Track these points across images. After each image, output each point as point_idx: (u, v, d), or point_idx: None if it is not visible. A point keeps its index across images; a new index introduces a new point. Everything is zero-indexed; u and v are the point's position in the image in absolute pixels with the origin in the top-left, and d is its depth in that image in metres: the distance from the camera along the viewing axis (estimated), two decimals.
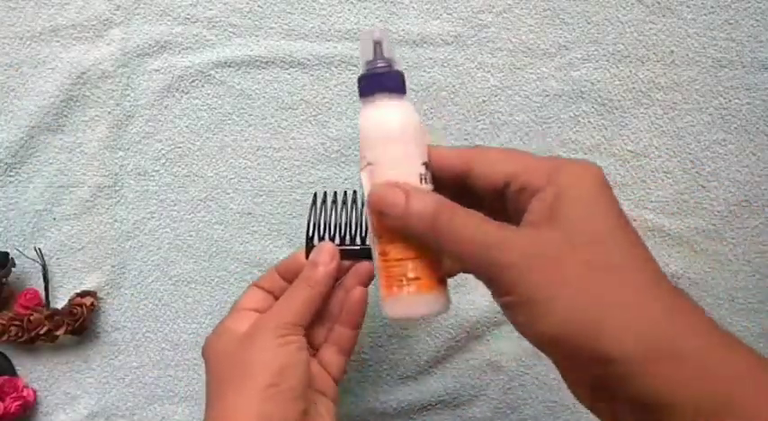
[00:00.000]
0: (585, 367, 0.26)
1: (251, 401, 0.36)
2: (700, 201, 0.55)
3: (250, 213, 0.55)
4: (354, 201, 0.47)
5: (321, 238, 0.49)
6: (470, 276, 0.53)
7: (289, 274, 0.43)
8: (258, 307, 0.43)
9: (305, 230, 0.46)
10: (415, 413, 0.54)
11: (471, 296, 0.54)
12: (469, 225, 0.28)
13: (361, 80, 0.35)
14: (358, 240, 0.50)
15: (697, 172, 0.55)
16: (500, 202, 0.30)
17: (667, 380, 0.24)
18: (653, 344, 0.24)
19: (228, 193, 0.55)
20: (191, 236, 0.55)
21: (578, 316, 0.25)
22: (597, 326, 0.24)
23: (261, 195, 0.55)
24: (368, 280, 0.42)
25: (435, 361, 0.54)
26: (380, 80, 0.34)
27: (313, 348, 0.43)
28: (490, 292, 0.29)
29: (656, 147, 0.55)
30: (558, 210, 0.26)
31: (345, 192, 0.47)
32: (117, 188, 0.55)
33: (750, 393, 0.24)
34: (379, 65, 0.35)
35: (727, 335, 0.26)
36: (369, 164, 0.33)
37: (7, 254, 0.53)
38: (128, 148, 0.55)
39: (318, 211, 0.47)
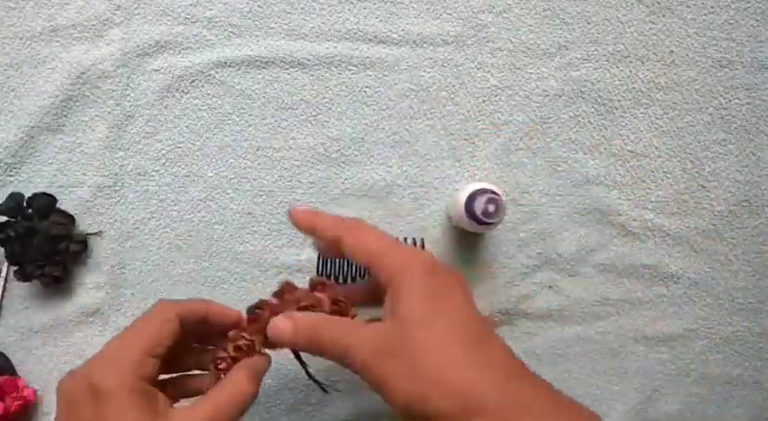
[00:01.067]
0: None
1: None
2: (700, 201, 0.55)
3: (250, 213, 0.55)
4: None
5: (328, 277, 0.54)
6: (472, 278, 0.53)
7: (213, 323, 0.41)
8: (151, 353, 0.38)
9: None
10: None
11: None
12: (334, 333, 0.36)
13: None
14: (358, 279, 0.53)
15: (697, 172, 0.55)
16: None
17: None
18: (464, 404, 0.30)
19: (228, 193, 0.55)
20: (191, 236, 0.55)
21: (411, 395, 0.32)
22: (424, 398, 0.31)
23: (261, 195, 0.55)
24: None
25: None
26: None
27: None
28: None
29: (656, 147, 0.55)
30: (394, 306, 0.34)
31: None
32: (117, 188, 0.55)
33: None
34: None
35: (523, 387, 0.33)
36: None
37: (22, 195, 0.53)
38: (128, 148, 0.55)
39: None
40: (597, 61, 0.56)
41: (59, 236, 0.52)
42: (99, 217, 0.55)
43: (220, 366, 0.40)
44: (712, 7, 0.56)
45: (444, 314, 0.34)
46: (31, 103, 0.55)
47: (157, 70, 0.56)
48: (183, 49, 0.56)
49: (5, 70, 0.55)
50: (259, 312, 0.41)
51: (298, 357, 0.42)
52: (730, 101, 0.56)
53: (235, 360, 0.40)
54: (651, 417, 0.55)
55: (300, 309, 0.40)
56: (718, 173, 0.56)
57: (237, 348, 0.41)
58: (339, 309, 0.40)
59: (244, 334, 0.41)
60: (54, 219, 0.53)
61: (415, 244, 0.54)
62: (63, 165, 0.55)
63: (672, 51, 0.56)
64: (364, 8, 0.56)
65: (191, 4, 0.56)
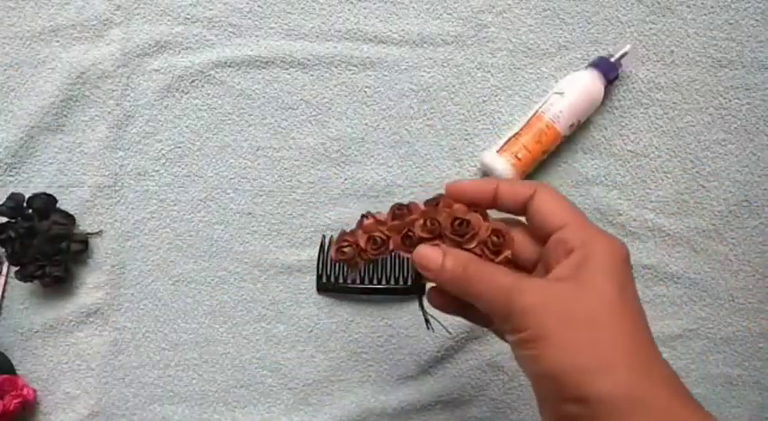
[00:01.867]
0: (565, 402, 0.29)
1: None
2: (700, 201, 0.55)
3: (250, 213, 0.55)
4: None
5: (328, 278, 0.53)
6: None
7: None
8: None
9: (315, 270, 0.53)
10: (415, 413, 0.54)
11: None
12: (496, 274, 0.33)
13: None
14: (366, 281, 0.53)
15: (697, 172, 0.55)
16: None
17: None
18: (625, 396, 0.28)
19: (228, 193, 0.55)
20: (191, 236, 0.55)
21: (572, 359, 0.29)
22: (584, 369, 0.29)
23: (261, 195, 0.55)
24: None
25: (435, 361, 0.54)
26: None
27: None
28: (504, 331, 0.32)
29: (656, 147, 0.55)
30: (580, 272, 0.31)
31: None
32: (117, 188, 0.55)
33: None
34: None
35: (691, 401, 0.30)
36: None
37: (22, 196, 0.53)
38: (128, 148, 0.55)
39: (326, 255, 0.53)
40: None
41: (60, 236, 0.52)
42: (99, 217, 0.55)
43: (344, 249, 0.37)
44: (712, 7, 0.56)
45: (631, 307, 0.31)
46: (31, 103, 0.55)
47: (157, 70, 0.56)
48: (183, 49, 0.56)
49: (5, 70, 0.55)
50: (404, 212, 0.36)
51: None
52: (730, 101, 0.56)
53: (360, 251, 0.37)
54: None
55: (453, 228, 0.35)
56: (718, 173, 0.56)
57: (371, 240, 0.36)
58: (496, 242, 0.35)
59: (382, 228, 0.37)
60: (54, 219, 0.53)
61: None
62: (63, 165, 0.55)
63: (672, 51, 0.56)
64: (364, 8, 0.56)
65: (191, 4, 0.56)
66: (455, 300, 0.36)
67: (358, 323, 0.54)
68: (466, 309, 0.37)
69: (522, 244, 0.36)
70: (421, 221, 0.36)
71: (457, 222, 0.35)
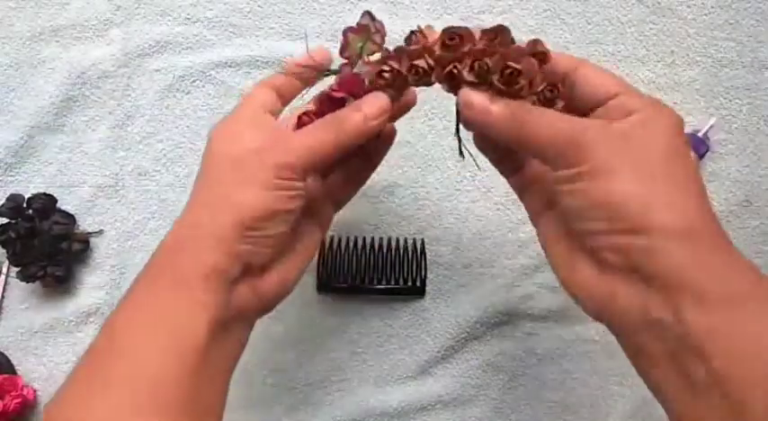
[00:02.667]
0: (622, 233, 0.30)
1: (225, 233, 0.34)
2: None
3: None
4: (363, 247, 0.53)
5: (328, 278, 0.54)
6: (471, 278, 0.53)
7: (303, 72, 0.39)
8: (271, 109, 0.38)
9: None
10: (415, 413, 0.54)
11: (472, 296, 0.54)
12: (551, 116, 0.33)
13: None
14: (366, 281, 0.53)
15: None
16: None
17: (687, 261, 0.29)
18: (683, 228, 0.30)
19: None
20: None
21: (636, 189, 0.30)
22: (648, 201, 0.30)
23: None
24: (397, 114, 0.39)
25: (435, 361, 0.54)
26: None
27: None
28: (559, 167, 0.33)
29: None
30: (643, 125, 0.32)
31: (356, 239, 0.54)
32: (117, 188, 0.55)
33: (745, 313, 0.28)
34: None
35: (750, 268, 0.30)
36: None
37: (22, 196, 0.53)
38: (128, 148, 0.55)
39: (326, 255, 0.53)
40: (597, 61, 0.56)
41: (60, 236, 0.52)
42: (99, 217, 0.55)
43: (385, 75, 0.33)
44: (712, 7, 0.56)
45: (687, 159, 0.32)
46: (31, 102, 0.55)
47: (158, 70, 0.56)
48: (183, 49, 0.56)
49: (5, 70, 0.55)
50: (455, 42, 0.32)
51: (458, 115, 0.35)
52: (730, 101, 0.56)
53: (400, 78, 0.33)
54: (651, 417, 0.55)
55: (504, 76, 0.32)
56: (718, 173, 0.56)
57: (413, 69, 0.33)
58: (549, 96, 0.33)
59: (428, 57, 0.33)
60: (54, 219, 0.53)
61: (414, 243, 0.54)
62: (63, 165, 0.55)
63: (672, 51, 0.56)
64: (364, 8, 0.56)
65: (191, 4, 0.56)
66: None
67: (358, 323, 0.54)
68: (502, 150, 0.39)
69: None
70: (469, 62, 0.33)
71: (508, 71, 0.32)
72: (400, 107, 0.40)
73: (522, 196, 0.40)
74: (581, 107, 0.34)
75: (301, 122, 0.36)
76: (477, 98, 0.34)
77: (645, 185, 0.30)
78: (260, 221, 0.35)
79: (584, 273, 0.33)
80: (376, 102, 0.36)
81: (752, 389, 0.27)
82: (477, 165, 0.41)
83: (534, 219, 0.39)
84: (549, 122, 0.32)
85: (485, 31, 0.33)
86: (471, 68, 0.33)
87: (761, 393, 0.27)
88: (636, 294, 0.30)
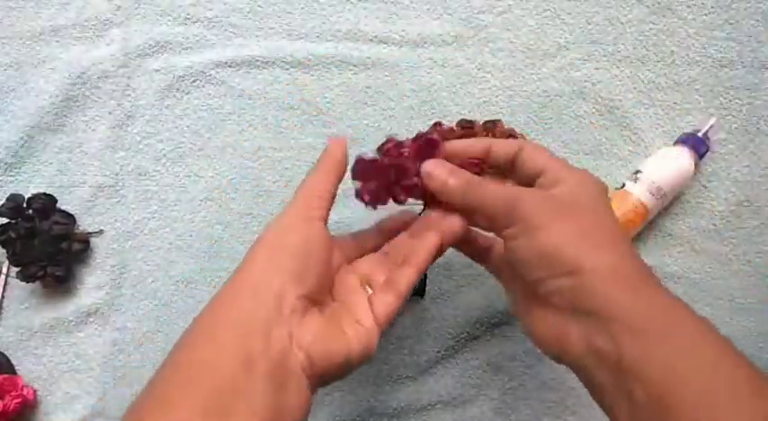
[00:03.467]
0: (558, 276, 0.35)
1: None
2: (700, 201, 0.56)
3: (250, 213, 0.55)
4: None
5: None
6: (471, 278, 0.53)
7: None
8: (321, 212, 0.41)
9: None
10: (415, 413, 0.54)
11: (472, 296, 0.54)
12: (492, 185, 0.39)
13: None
14: None
15: (697, 171, 0.55)
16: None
17: (617, 295, 0.33)
18: (616, 267, 0.34)
19: (229, 194, 0.55)
20: (191, 236, 0.55)
21: (566, 239, 0.35)
22: (578, 247, 0.35)
23: (261, 195, 0.55)
24: (450, 238, 0.42)
25: (435, 361, 0.54)
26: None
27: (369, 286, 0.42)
28: (504, 227, 0.38)
29: (657, 147, 0.55)
30: (567, 189, 0.38)
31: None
32: (117, 188, 0.55)
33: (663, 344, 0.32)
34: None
35: (654, 277, 0.35)
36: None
37: (22, 197, 0.53)
38: (128, 148, 0.55)
39: None
40: (597, 61, 0.56)
41: (60, 236, 0.52)
42: (99, 217, 0.55)
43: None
44: (712, 7, 0.56)
45: (608, 209, 0.38)
46: (31, 102, 0.55)
47: (158, 70, 0.56)
48: (183, 49, 0.56)
49: (5, 70, 0.55)
50: (470, 126, 0.46)
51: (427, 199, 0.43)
52: (730, 101, 0.56)
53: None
54: None
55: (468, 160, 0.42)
56: (718, 173, 0.56)
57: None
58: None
59: (452, 136, 0.45)
60: (54, 219, 0.53)
61: None
62: (63, 165, 0.55)
63: (672, 51, 0.56)
64: (364, 8, 0.56)
65: (191, 4, 0.56)
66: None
67: None
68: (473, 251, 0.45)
69: None
70: (483, 134, 0.46)
71: (509, 139, 0.45)
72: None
73: (496, 276, 0.44)
74: (525, 181, 0.40)
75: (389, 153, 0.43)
76: (436, 171, 0.41)
77: (574, 235, 0.35)
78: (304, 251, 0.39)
79: (541, 319, 0.37)
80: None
81: (683, 406, 0.30)
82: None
83: (506, 290, 0.43)
84: (492, 191, 0.39)
85: (486, 122, 0.48)
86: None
87: (690, 409, 0.30)
88: (581, 329, 0.35)
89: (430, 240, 0.40)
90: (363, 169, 0.43)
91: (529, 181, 0.40)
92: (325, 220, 0.40)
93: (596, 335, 0.34)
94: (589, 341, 0.34)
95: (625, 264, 0.35)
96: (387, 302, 0.40)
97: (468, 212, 0.41)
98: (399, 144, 0.42)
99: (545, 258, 0.36)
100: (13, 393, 0.51)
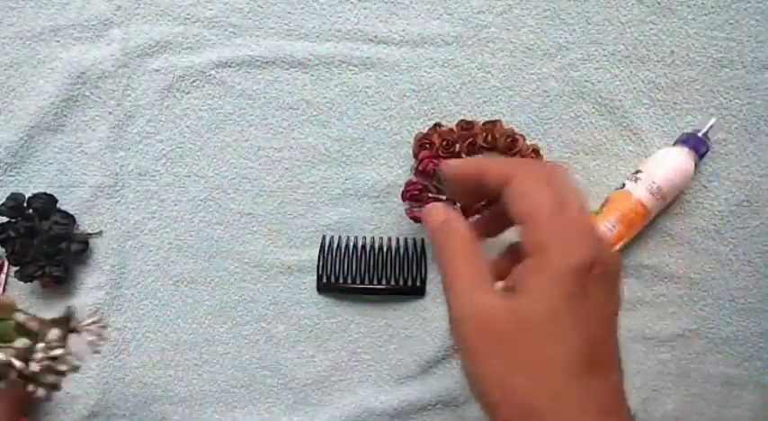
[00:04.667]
0: (483, 409, 0.30)
1: None
2: (700, 201, 0.56)
3: (250, 213, 0.55)
4: (363, 247, 0.54)
5: (328, 278, 0.54)
6: None
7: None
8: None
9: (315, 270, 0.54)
10: (415, 413, 0.54)
11: None
12: (463, 285, 0.32)
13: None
14: (366, 281, 0.53)
15: (697, 171, 0.55)
16: None
17: None
18: (519, 415, 0.28)
19: (229, 194, 0.55)
20: (191, 236, 0.55)
21: (493, 371, 0.30)
22: (501, 383, 0.29)
23: (261, 195, 0.55)
24: None
25: (435, 361, 0.54)
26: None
27: None
28: None
29: (657, 147, 0.55)
30: (522, 286, 0.30)
31: (356, 239, 0.54)
32: (117, 188, 0.55)
33: None
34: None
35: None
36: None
37: (23, 196, 0.53)
38: (128, 148, 0.55)
39: (326, 255, 0.54)
40: (598, 61, 0.56)
41: (60, 236, 0.52)
42: (99, 217, 0.55)
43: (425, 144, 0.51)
44: (712, 7, 0.56)
45: (563, 325, 0.29)
46: (31, 102, 0.55)
47: (158, 70, 0.56)
48: (183, 49, 0.56)
49: (5, 70, 0.55)
50: (470, 126, 0.50)
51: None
52: (730, 101, 0.56)
53: (435, 149, 0.51)
54: (651, 417, 0.55)
55: (505, 142, 0.50)
56: (718, 173, 0.56)
57: (444, 140, 0.49)
58: (534, 157, 0.51)
59: (452, 135, 0.50)
60: (54, 219, 0.53)
61: (415, 243, 0.54)
62: (63, 165, 0.55)
63: (672, 51, 0.56)
64: (364, 8, 0.56)
65: (191, 4, 0.56)
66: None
67: (358, 323, 0.54)
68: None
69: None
70: (483, 135, 0.50)
71: (509, 139, 0.49)
72: None
73: None
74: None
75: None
76: (434, 211, 0.34)
77: (505, 368, 0.29)
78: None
79: None
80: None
81: None
82: None
83: None
84: (451, 284, 0.32)
85: (486, 122, 0.51)
86: (485, 138, 0.50)
87: None
88: None
89: None
90: (407, 192, 0.51)
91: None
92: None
93: None
94: None
95: (547, 406, 0.28)
96: None
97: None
98: (432, 156, 0.49)
99: (471, 387, 0.31)
100: None
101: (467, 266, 0.32)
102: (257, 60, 0.56)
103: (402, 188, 0.52)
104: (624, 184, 0.53)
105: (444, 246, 0.33)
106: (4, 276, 0.54)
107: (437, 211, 0.34)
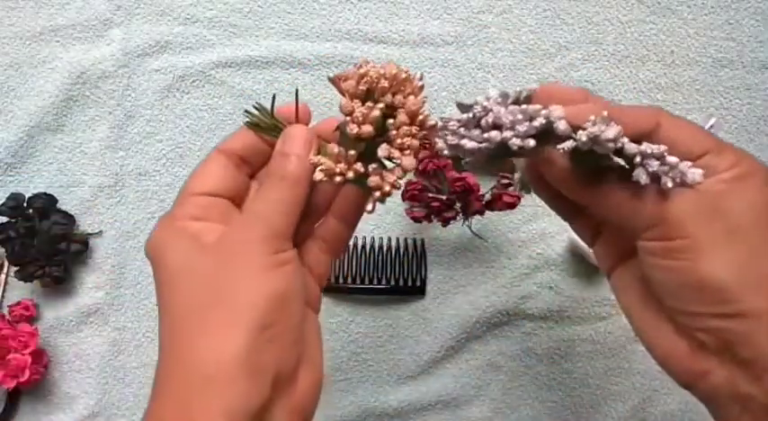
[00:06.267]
0: (715, 316, 0.29)
1: (237, 351, 0.28)
2: None
3: None
4: (363, 247, 0.54)
5: (336, 279, 0.52)
6: (471, 278, 0.53)
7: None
8: (224, 191, 0.33)
9: None
10: (415, 413, 0.54)
11: (471, 297, 0.54)
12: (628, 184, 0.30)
13: None
14: (366, 281, 0.53)
15: None
16: None
17: None
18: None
19: None
20: None
21: (728, 271, 0.28)
22: (742, 283, 0.28)
23: None
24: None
25: (435, 361, 0.54)
26: None
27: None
28: (645, 237, 0.30)
29: None
30: (739, 186, 0.29)
31: (356, 239, 0.54)
32: (117, 188, 0.55)
33: None
34: None
35: None
36: None
37: (23, 196, 0.53)
38: (128, 148, 0.55)
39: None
40: (598, 62, 0.56)
41: (60, 236, 0.52)
42: (99, 217, 0.55)
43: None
44: (712, 7, 0.56)
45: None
46: (31, 102, 0.55)
47: (158, 70, 0.56)
48: (183, 49, 0.56)
49: (5, 70, 0.55)
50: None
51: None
52: (730, 101, 0.56)
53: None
54: (651, 417, 0.55)
55: None
56: None
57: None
58: None
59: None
60: (54, 220, 0.53)
61: (415, 243, 0.54)
62: (63, 165, 0.55)
63: (672, 51, 0.56)
64: (364, 8, 0.56)
65: (191, 4, 0.56)
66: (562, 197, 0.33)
67: (358, 323, 0.54)
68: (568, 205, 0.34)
69: None
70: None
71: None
72: None
73: (589, 242, 0.36)
74: None
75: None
76: (560, 159, 0.30)
77: (738, 264, 0.28)
78: (276, 312, 0.29)
79: (675, 346, 0.31)
80: (293, 137, 0.32)
81: None
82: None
83: (607, 270, 0.35)
84: (630, 192, 0.30)
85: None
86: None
87: None
88: (729, 373, 0.29)
89: (352, 192, 0.33)
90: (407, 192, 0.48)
91: None
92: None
93: (748, 383, 0.28)
94: (736, 386, 0.29)
95: None
96: (326, 264, 0.35)
97: (595, 212, 0.32)
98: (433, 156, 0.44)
99: (699, 292, 0.29)
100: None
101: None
102: (257, 60, 0.56)
103: (402, 188, 0.52)
104: None
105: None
106: (4, 276, 0.54)
107: (561, 160, 0.30)
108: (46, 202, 0.53)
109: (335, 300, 0.54)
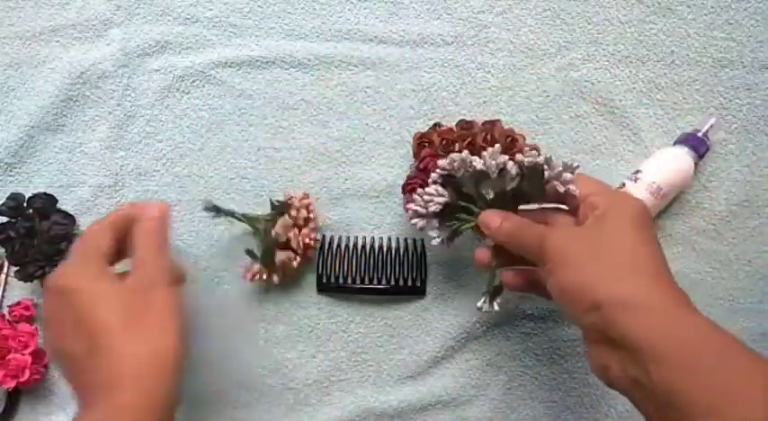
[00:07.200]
0: (585, 312, 0.36)
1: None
2: (700, 201, 0.55)
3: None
4: (363, 247, 0.54)
5: (328, 278, 0.53)
6: (471, 278, 0.53)
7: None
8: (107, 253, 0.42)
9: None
10: (415, 413, 0.54)
11: (472, 296, 0.54)
12: (532, 227, 0.42)
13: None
14: (366, 281, 0.53)
15: (697, 172, 0.55)
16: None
17: (640, 326, 0.34)
18: (636, 297, 0.35)
19: (229, 194, 0.55)
20: (191, 236, 0.55)
21: (583, 276, 0.37)
22: (595, 282, 0.36)
23: (261, 195, 0.55)
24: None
25: (435, 361, 0.54)
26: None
27: None
28: (540, 267, 0.40)
29: (657, 147, 0.55)
30: (601, 220, 0.39)
31: (356, 239, 0.54)
32: (117, 188, 0.55)
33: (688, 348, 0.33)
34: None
35: (690, 307, 0.35)
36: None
37: (23, 196, 0.53)
38: (128, 148, 0.55)
39: (326, 254, 0.54)
40: (597, 61, 0.56)
41: (60, 236, 0.52)
42: (99, 217, 0.55)
43: (423, 143, 0.51)
44: (712, 7, 0.56)
45: (643, 240, 0.38)
46: (31, 102, 0.55)
47: (158, 70, 0.56)
48: (183, 49, 0.56)
49: (5, 70, 0.55)
50: (470, 125, 0.50)
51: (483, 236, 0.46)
52: (730, 101, 0.56)
53: (434, 148, 0.49)
54: None
55: (505, 142, 0.48)
56: (718, 173, 0.56)
57: (443, 140, 0.49)
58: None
59: (452, 134, 0.50)
60: (54, 220, 0.53)
61: (415, 243, 0.54)
62: (63, 165, 0.55)
63: (672, 51, 0.56)
64: (364, 8, 0.56)
65: (191, 4, 0.56)
66: (523, 278, 0.45)
67: (358, 323, 0.54)
68: (532, 284, 0.45)
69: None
70: (483, 134, 0.48)
71: (508, 139, 0.48)
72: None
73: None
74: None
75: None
76: (494, 220, 0.43)
77: (592, 270, 0.37)
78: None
79: (590, 351, 0.38)
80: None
81: None
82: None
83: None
84: (531, 232, 0.41)
85: (486, 122, 0.51)
86: (485, 138, 0.48)
87: None
88: (617, 361, 0.35)
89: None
90: (408, 185, 0.50)
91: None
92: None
93: (629, 365, 0.34)
94: (625, 372, 0.35)
95: (651, 295, 0.35)
96: None
97: (519, 252, 0.43)
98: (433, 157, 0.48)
99: (568, 295, 0.37)
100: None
101: (535, 226, 0.43)
102: (257, 60, 0.56)
103: (402, 182, 0.52)
104: (624, 184, 0.53)
105: (515, 227, 0.43)
106: (4, 276, 0.54)
107: (493, 218, 0.44)
108: (46, 202, 0.53)
109: (335, 300, 0.55)
